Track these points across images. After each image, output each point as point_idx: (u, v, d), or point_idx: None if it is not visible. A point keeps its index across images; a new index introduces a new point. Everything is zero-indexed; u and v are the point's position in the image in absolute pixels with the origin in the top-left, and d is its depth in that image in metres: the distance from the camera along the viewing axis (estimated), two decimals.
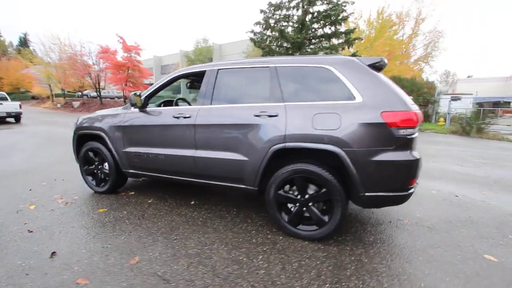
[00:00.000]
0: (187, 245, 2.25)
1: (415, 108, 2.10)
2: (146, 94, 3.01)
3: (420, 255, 2.17)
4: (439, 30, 25.04)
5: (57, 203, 3.10)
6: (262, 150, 2.33)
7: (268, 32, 19.29)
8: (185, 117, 2.69)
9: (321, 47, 18.18)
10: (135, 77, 22.39)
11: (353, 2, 17.31)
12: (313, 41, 18.50)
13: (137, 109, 3.04)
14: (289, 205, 2.42)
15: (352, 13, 17.90)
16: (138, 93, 2.91)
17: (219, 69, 2.70)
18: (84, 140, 3.47)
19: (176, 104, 3.26)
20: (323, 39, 18.18)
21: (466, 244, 2.35)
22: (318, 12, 17.60)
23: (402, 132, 2.01)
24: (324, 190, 2.21)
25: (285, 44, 18.57)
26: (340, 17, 17.06)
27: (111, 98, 27.49)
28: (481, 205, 3.30)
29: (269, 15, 18.83)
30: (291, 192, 2.39)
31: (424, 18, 24.64)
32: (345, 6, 17.10)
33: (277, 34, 18.14)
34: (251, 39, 19.70)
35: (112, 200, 3.20)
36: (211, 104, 2.65)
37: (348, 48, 17.78)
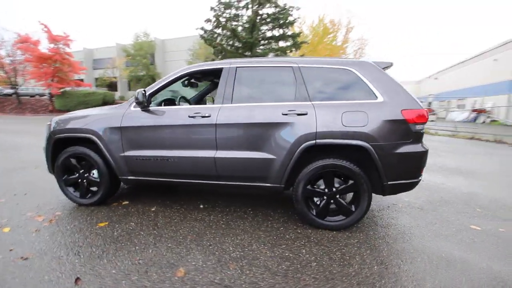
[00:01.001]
0: (225, 249, 2.16)
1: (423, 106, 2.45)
2: (149, 92, 2.73)
3: (427, 231, 2.55)
4: (365, 38, 28.69)
5: (38, 222, 2.58)
6: (293, 147, 2.39)
7: (219, 31, 19.12)
8: (203, 116, 2.55)
9: (271, 48, 18.83)
10: (64, 72, 19.50)
11: (299, 8, 18.42)
12: (262, 42, 19.03)
13: (138, 108, 2.74)
14: (315, 199, 2.54)
15: (298, 17, 19.02)
16: (143, 91, 2.62)
17: (237, 67, 2.64)
18: (62, 145, 2.94)
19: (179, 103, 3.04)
20: (273, 41, 18.90)
21: (453, 219, 2.85)
22: (268, 14, 18.19)
23: (418, 127, 2.33)
24: (351, 182, 2.40)
25: (236, 44, 18.66)
26: (287, 21, 17.92)
27: (31, 96, 23.35)
28: (443, 187, 3.99)
29: (219, 13, 18.64)
30: (315, 186, 2.51)
31: (353, 27, 27.82)
32: (291, 11, 18.07)
33: (229, 33, 18.08)
34: (201, 37, 19.23)
35: (106, 212, 2.82)
36: (231, 102, 2.58)
37: (296, 51, 18.80)
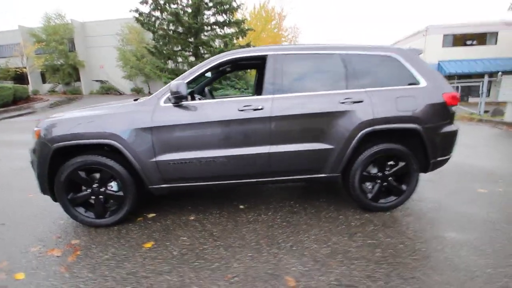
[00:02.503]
0: (310, 247, 2.06)
1: None
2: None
3: (451, 199, 2.90)
4: (297, 27, 30.12)
5: (56, 257, 1.98)
6: (351, 135, 2.38)
7: (157, 13, 17.48)
8: (255, 109, 2.31)
9: (216, 34, 18.13)
10: None
11: None
12: (206, 28, 18.14)
13: (170, 104, 2.31)
14: (367, 183, 2.61)
15: (243, 3, 18.65)
16: (183, 81, 2.19)
17: (284, 54, 2.44)
18: (64, 156, 2.29)
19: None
20: (217, 27, 18.19)
21: (460, 186, 3.31)
22: None
23: (453, 108, 2.58)
24: (403, 164, 2.53)
25: (179, 29, 17.35)
26: (231, 6, 17.38)
27: None
28: None
29: None
30: (368, 171, 2.57)
31: (286, 16, 28.76)
32: None
33: (170, 17, 16.61)
34: (137, 20, 17.30)
35: (139, 230, 2.35)
36: (283, 93, 2.39)
37: (242, 38, 18.48)
